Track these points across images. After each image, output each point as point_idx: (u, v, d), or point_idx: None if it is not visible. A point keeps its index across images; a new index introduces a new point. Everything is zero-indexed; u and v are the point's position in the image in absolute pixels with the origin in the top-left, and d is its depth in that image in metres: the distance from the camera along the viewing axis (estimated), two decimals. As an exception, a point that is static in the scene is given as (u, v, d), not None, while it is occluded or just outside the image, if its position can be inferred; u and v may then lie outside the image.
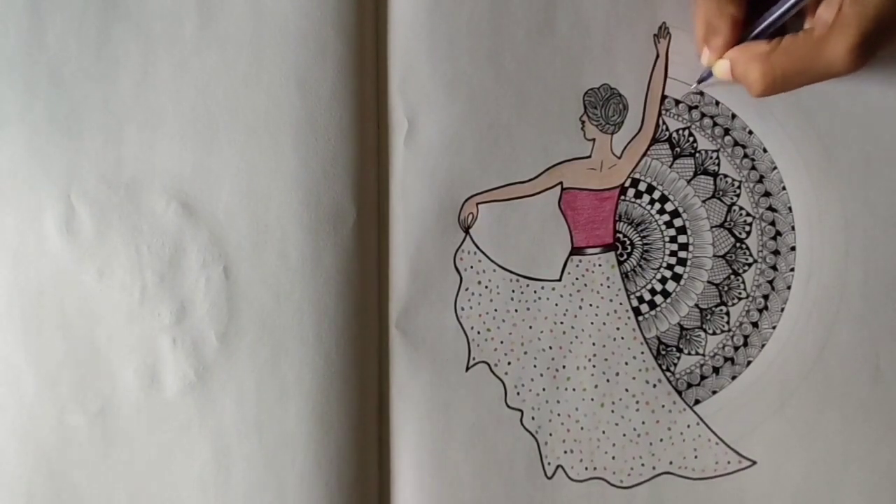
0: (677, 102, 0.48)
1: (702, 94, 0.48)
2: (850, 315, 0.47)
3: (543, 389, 0.48)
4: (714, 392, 0.48)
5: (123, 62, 0.47)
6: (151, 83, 0.47)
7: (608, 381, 0.48)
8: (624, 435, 0.48)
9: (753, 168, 0.48)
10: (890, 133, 0.47)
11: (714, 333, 0.48)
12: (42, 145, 0.47)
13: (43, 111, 0.47)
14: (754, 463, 0.47)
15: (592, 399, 0.48)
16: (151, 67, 0.47)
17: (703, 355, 0.48)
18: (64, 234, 0.47)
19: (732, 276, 0.48)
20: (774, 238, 0.48)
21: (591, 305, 0.48)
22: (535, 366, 0.48)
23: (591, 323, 0.48)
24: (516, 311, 0.48)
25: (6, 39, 0.47)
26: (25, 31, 0.47)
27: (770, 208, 0.48)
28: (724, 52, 0.44)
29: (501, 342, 0.48)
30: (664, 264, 0.48)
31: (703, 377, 0.48)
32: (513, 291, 0.48)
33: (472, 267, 0.48)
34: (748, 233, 0.48)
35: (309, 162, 0.47)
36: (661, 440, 0.47)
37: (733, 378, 0.48)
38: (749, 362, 0.47)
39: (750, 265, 0.48)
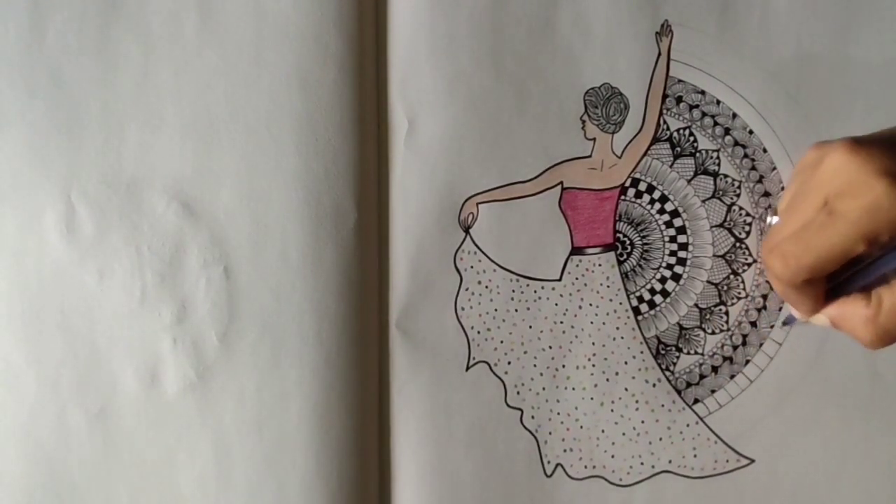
0: (678, 101, 0.48)
1: (703, 92, 0.48)
2: (849, 315, 0.47)
3: (543, 389, 0.48)
4: (713, 391, 0.48)
5: (123, 62, 0.47)
6: (151, 83, 0.47)
7: (608, 380, 0.48)
8: (623, 434, 0.48)
9: (753, 168, 0.48)
10: (890, 133, 0.47)
11: (713, 333, 0.48)
12: (42, 145, 0.47)
13: (43, 111, 0.47)
14: (752, 461, 0.47)
15: (592, 398, 0.48)
16: (151, 67, 0.47)
17: (703, 355, 0.48)
18: (64, 234, 0.47)
19: (732, 276, 0.48)
20: (774, 238, 0.48)
21: (590, 305, 0.48)
22: (534, 365, 0.48)
23: (591, 322, 0.48)
24: (516, 310, 0.48)
25: (6, 39, 0.47)
26: (25, 31, 0.47)
27: (770, 208, 0.48)
28: (815, 312, 0.41)
29: (501, 342, 0.48)
30: (664, 264, 0.48)
31: (702, 376, 0.48)
32: (513, 291, 0.48)
33: (472, 267, 0.48)
34: (748, 232, 0.48)
35: (309, 162, 0.47)
36: (661, 439, 0.48)
37: (732, 377, 0.48)
38: (748, 361, 0.48)
39: (749, 265, 0.48)
